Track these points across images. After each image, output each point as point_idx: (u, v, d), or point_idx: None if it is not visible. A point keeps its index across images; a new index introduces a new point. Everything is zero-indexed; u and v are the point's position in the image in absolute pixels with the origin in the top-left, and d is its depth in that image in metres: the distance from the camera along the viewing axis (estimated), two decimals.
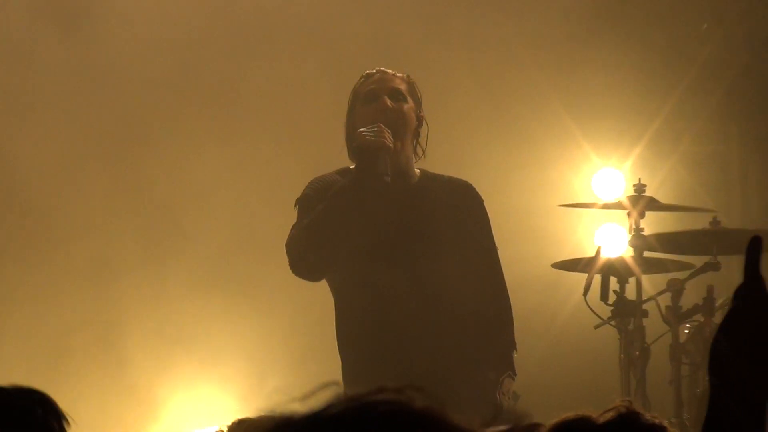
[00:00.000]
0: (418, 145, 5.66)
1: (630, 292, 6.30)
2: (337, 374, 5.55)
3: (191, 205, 8.06)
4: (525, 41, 8.04)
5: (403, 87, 5.65)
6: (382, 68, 5.68)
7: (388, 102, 5.51)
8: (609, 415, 2.42)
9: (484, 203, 5.74)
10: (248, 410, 6.09)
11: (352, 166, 5.62)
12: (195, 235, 7.96)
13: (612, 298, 6.20)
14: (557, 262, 6.67)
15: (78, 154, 8.32)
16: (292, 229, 5.75)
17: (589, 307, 6.20)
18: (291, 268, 5.74)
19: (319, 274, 5.90)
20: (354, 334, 5.67)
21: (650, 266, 6.41)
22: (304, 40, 8.05)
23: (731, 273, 5.19)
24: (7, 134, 8.04)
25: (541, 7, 8.15)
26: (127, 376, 8.06)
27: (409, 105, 5.61)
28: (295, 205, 5.79)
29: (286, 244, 5.75)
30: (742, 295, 2.14)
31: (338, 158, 5.93)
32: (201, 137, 7.98)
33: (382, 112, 5.52)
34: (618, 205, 6.66)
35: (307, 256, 5.86)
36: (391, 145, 5.56)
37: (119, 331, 8.10)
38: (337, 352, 5.68)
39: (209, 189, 8.16)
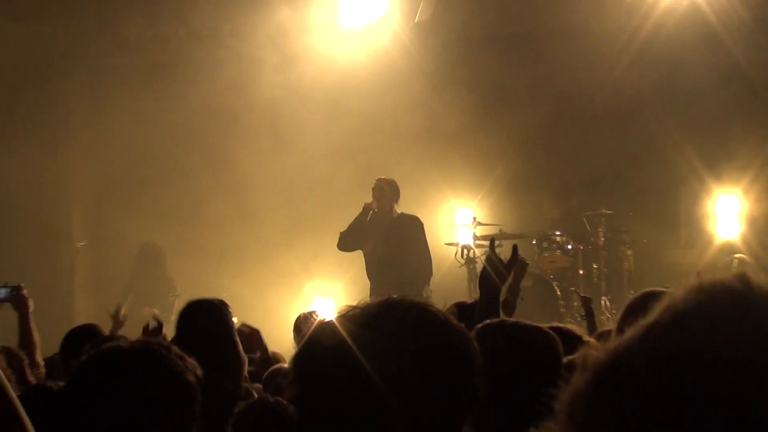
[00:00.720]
0: (396, 204, 7.89)
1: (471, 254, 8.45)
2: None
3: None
4: (427, 155, 9.39)
5: (385, 185, 7.92)
6: (381, 177, 8.00)
7: (378, 196, 7.82)
8: (472, 300, 3.59)
9: (423, 225, 8.03)
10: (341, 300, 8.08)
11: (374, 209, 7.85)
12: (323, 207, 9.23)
13: (465, 256, 8.46)
14: (446, 243, 8.89)
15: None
16: (341, 233, 7.96)
17: (457, 259, 8.48)
18: (337, 246, 8.06)
19: (345, 251, 8.04)
20: (372, 273, 7.94)
21: (480, 245, 8.40)
22: (348, 153, 9.43)
23: (506, 250, 3.83)
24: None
25: (433, 115, 9.32)
26: (280, 270, 9.27)
27: (386, 192, 7.86)
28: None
29: (339, 238, 7.93)
30: (488, 254, 3.35)
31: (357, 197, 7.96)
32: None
33: (377, 199, 7.85)
34: (467, 225, 8.74)
35: (341, 244, 7.97)
36: (375, 209, 7.74)
37: (278, 250, 9.36)
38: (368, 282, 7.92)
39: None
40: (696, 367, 0.61)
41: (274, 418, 2.41)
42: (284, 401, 2.46)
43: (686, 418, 0.60)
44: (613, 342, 0.67)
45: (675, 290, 0.69)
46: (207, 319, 3.23)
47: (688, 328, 0.64)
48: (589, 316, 5.07)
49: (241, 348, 3.29)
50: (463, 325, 1.50)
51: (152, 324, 4.29)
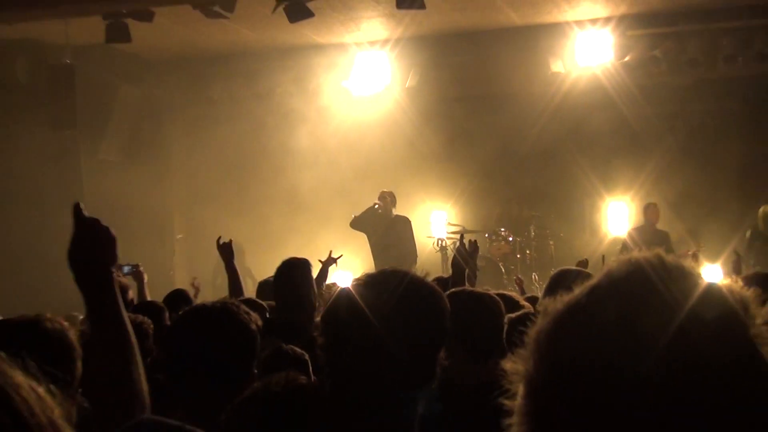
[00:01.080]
0: (394, 208, 7.66)
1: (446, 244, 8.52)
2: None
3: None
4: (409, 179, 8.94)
5: (388, 195, 7.68)
6: (384, 190, 7.69)
7: (382, 202, 7.57)
8: (447, 275, 3.61)
9: (411, 222, 7.75)
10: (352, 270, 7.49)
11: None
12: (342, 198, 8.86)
13: (439, 245, 8.51)
14: (428, 236, 8.82)
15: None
16: (355, 216, 7.63)
17: (434, 248, 8.61)
18: (350, 224, 7.64)
19: (353, 228, 7.60)
20: (376, 256, 7.57)
21: (450, 238, 8.48)
22: (366, 168, 9.10)
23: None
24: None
25: (418, 148, 9.06)
26: (315, 250, 7.76)
27: (387, 201, 7.58)
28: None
29: (352, 219, 7.60)
30: (457, 246, 3.34)
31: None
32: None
33: (381, 205, 7.60)
34: (442, 223, 8.79)
35: (353, 223, 7.63)
36: (379, 209, 7.41)
37: (312, 237, 8.68)
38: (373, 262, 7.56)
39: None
40: (627, 313, 0.62)
41: (288, 361, 2.32)
42: (297, 348, 2.38)
43: (618, 346, 0.60)
44: (567, 297, 0.66)
45: (612, 263, 0.68)
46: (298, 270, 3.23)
47: (620, 287, 0.64)
48: (522, 292, 4.99)
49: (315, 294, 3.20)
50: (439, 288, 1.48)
51: (196, 283, 4.86)
